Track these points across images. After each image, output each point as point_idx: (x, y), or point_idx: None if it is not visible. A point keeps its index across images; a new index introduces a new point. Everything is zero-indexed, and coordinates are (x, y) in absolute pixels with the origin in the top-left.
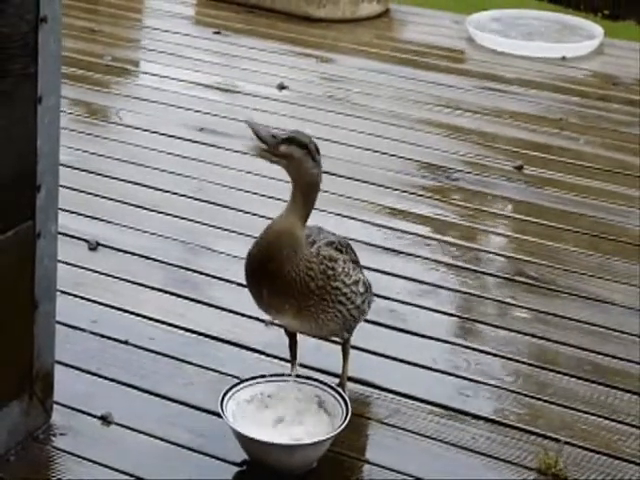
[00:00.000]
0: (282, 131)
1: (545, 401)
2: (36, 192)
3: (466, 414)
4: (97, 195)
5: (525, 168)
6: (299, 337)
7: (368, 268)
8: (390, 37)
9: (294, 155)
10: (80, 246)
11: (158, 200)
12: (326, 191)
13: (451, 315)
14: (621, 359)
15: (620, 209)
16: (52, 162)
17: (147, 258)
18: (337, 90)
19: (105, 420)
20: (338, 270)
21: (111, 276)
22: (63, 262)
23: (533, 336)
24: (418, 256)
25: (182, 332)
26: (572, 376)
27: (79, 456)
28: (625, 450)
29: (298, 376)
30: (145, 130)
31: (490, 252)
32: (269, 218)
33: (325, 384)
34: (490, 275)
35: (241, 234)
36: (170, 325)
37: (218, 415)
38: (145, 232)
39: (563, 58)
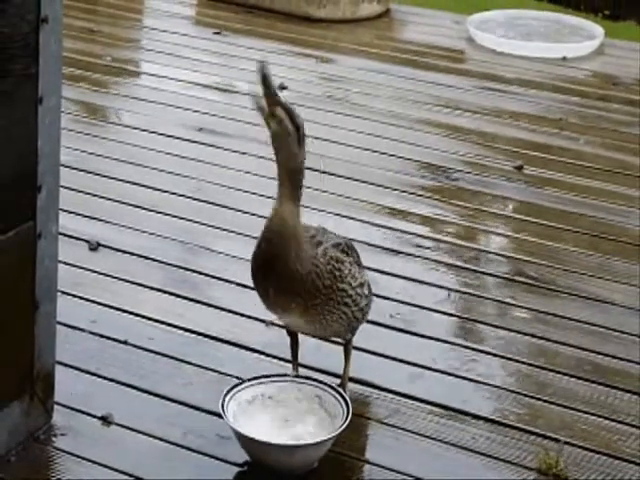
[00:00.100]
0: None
1: (545, 401)
2: (37, 192)
3: (466, 414)
4: (96, 195)
5: (525, 168)
6: (300, 337)
7: (368, 268)
8: (390, 37)
9: (285, 124)
10: (79, 246)
11: (157, 200)
12: (325, 191)
13: (451, 315)
14: (621, 359)
15: (620, 209)
16: (53, 162)
17: (146, 258)
18: (337, 90)
19: (105, 420)
20: (345, 272)
21: (110, 276)
22: (62, 262)
23: (533, 336)
24: (418, 256)
25: (181, 332)
26: (572, 376)
27: (79, 456)
28: (625, 450)
29: (299, 376)
30: (144, 130)
31: (490, 252)
32: None
33: (326, 384)
34: (490, 275)
35: (240, 234)
36: (169, 325)
37: (218, 415)
38: (144, 232)
39: (563, 58)
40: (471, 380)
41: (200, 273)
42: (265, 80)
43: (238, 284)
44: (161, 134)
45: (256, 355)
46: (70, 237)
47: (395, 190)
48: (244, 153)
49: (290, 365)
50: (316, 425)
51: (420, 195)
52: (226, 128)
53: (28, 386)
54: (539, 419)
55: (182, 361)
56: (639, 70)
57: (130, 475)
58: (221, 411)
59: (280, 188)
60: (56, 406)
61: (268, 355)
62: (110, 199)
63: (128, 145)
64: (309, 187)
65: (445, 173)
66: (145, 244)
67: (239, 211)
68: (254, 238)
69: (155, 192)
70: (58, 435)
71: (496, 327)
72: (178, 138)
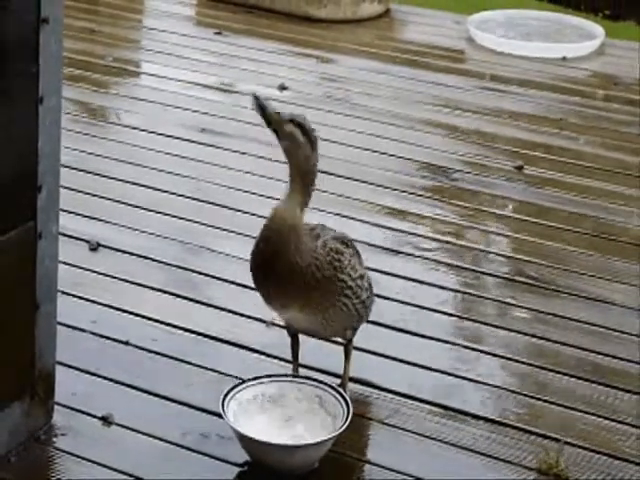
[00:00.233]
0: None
1: (545, 401)
2: (37, 193)
3: (466, 414)
4: (95, 195)
5: (525, 168)
6: (300, 338)
7: (368, 268)
8: (391, 37)
9: (298, 138)
10: (79, 246)
11: (157, 200)
12: (325, 191)
13: (451, 315)
14: (621, 359)
15: (620, 209)
16: (53, 163)
17: (146, 258)
18: (337, 90)
19: (106, 421)
20: (344, 263)
21: (110, 276)
22: (62, 262)
23: (533, 336)
24: (418, 256)
25: (182, 332)
26: (572, 376)
27: (79, 456)
28: (625, 450)
29: (299, 376)
30: (143, 130)
31: (490, 252)
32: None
33: (326, 384)
34: (490, 275)
35: (240, 234)
36: (169, 325)
37: (218, 415)
38: (144, 232)
39: (564, 58)
40: (471, 380)
41: (200, 273)
42: (263, 113)
43: (238, 284)
44: (161, 134)
45: (256, 355)
46: (70, 237)
47: (395, 190)
48: (244, 153)
49: (290, 365)
50: (316, 425)
51: (420, 195)
52: (226, 128)
53: (28, 386)
54: (539, 419)
55: (182, 361)
56: (639, 70)
57: (130, 475)
58: (221, 411)
59: (290, 185)
60: (56, 406)
61: (268, 355)
62: (110, 199)
63: (128, 145)
64: None
65: (445, 173)
66: (145, 244)
67: (239, 211)
68: (254, 238)
69: (155, 192)
70: (58, 435)
71: (496, 327)
72: (178, 138)
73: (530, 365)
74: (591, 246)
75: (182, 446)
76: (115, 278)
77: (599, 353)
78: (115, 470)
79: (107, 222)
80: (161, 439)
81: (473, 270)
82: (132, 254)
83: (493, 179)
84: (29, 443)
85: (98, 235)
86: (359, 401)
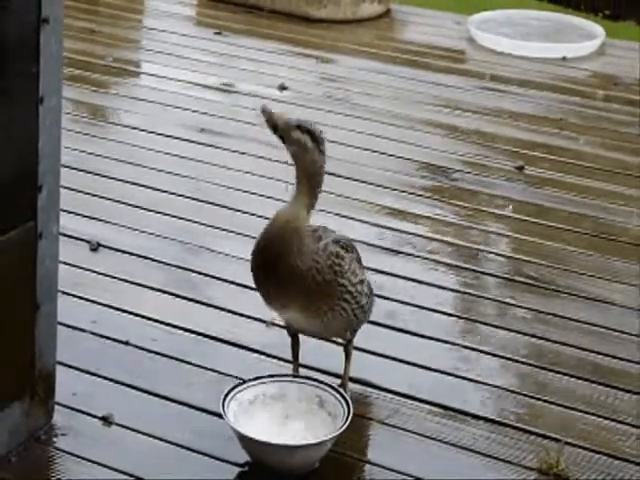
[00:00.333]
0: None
1: (545, 401)
2: (37, 193)
3: (466, 414)
4: (95, 195)
5: (525, 168)
6: (301, 338)
7: (368, 268)
8: (391, 37)
9: (305, 144)
10: (79, 246)
11: (156, 200)
12: (325, 191)
13: (451, 315)
14: (621, 359)
15: (620, 209)
16: (53, 163)
17: (146, 258)
18: (337, 90)
19: (106, 421)
20: (345, 267)
21: (110, 276)
22: (62, 262)
23: (533, 336)
24: (418, 256)
25: (182, 332)
26: (572, 376)
27: (80, 456)
28: (625, 450)
29: (299, 376)
30: (143, 130)
31: (490, 252)
32: (267, 218)
33: (326, 384)
34: (490, 275)
35: (239, 234)
36: (170, 325)
37: (218, 415)
38: (143, 232)
39: (564, 58)
40: (471, 380)
41: (200, 273)
42: (270, 122)
43: (238, 284)
44: (161, 134)
45: (256, 355)
46: (70, 237)
47: (395, 190)
48: (243, 153)
49: (290, 365)
50: (317, 425)
51: (420, 195)
52: (225, 128)
53: (29, 386)
54: (539, 419)
55: (182, 361)
56: (639, 70)
57: (130, 475)
58: (221, 411)
59: (297, 187)
60: (57, 406)
61: (268, 355)
62: (110, 199)
63: (128, 145)
64: None
65: (445, 173)
66: (145, 244)
67: (238, 211)
68: (254, 238)
69: (155, 192)
70: (59, 435)
71: (496, 327)
72: (177, 138)
73: (530, 365)
74: (591, 246)
75: (182, 446)
76: (115, 278)
77: (599, 353)
78: (115, 470)
79: (107, 222)
80: (161, 439)
81: (473, 270)
82: (132, 254)
83: (493, 179)
84: (29, 443)
85: (98, 235)
86: (359, 401)
